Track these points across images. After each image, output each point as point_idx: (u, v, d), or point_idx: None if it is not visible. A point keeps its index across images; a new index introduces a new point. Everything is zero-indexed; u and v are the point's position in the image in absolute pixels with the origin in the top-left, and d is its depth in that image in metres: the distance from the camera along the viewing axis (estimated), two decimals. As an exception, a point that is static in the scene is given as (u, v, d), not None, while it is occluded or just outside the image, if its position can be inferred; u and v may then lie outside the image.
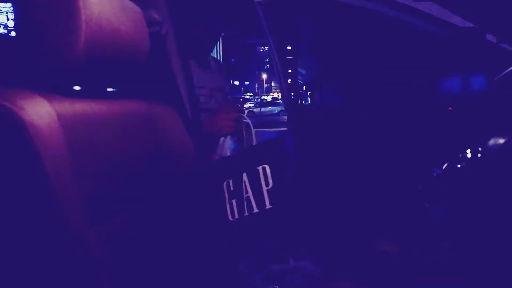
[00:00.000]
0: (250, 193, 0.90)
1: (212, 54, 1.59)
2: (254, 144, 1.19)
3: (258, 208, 0.89)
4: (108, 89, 0.79)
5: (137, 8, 0.77)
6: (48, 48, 0.57)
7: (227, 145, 1.21)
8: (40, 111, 0.49)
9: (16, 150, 0.45)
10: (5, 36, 0.73)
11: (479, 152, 0.81)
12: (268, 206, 0.89)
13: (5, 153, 0.45)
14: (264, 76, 54.18)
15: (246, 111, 1.32)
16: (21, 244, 0.46)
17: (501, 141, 0.77)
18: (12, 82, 0.55)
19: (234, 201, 0.92)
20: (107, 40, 0.63)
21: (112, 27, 0.64)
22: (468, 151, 0.87)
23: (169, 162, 0.81)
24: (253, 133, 1.21)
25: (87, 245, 0.49)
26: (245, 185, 0.91)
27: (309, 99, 20.49)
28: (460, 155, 0.88)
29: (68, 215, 0.47)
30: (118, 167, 0.65)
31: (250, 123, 1.25)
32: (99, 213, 0.55)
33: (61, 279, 0.47)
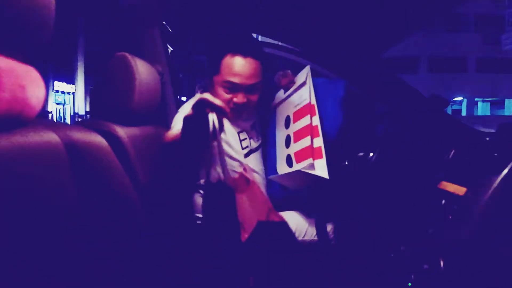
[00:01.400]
0: None
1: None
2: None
3: None
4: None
5: (153, 69, 1.24)
6: (117, 99, 1.04)
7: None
8: (122, 133, 0.95)
9: (118, 152, 0.88)
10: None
11: (370, 156, 1.28)
12: None
13: (113, 153, 0.89)
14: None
15: None
16: (106, 202, 0.87)
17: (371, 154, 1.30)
18: (100, 117, 1.01)
19: None
20: (145, 93, 1.10)
21: (147, 84, 1.11)
22: (361, 153, 1.33)
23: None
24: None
25: (137, 206, 0.90)
26: None
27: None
28: (359, 155, 1.36)
29: (133, 187, 0.90)
30: (151, 162, 1.10)
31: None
32: (141, 192, 1.01)
33: (125, 222, 0.81)
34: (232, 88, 1.20)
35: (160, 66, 1.41)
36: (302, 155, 1.21)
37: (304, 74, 1.27)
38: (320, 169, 1.13)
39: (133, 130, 1.04)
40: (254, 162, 1.35)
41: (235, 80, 1.19)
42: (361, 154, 1.41)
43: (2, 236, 0.47)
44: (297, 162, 1.24)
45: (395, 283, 1.03)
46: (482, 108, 24.09)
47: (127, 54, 1.06)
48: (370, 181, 1.27)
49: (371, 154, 1.37)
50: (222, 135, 1.25)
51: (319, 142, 1.15)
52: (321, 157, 1.13)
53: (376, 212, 1.32)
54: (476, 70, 21.66)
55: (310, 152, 1.16)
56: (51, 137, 0.59)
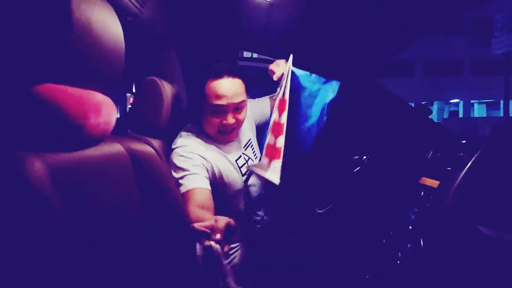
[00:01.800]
0: None
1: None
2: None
3: None
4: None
5: (174, 89, 1.44)
6: (147, 116, 1.24)
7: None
8: (156, 144, 1.15)
9: (152, 161, 1.08)
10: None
11: (364, 158, 1.49)
12: None
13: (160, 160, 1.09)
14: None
15: None
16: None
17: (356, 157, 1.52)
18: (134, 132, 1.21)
19: None
20: (170, 111, 1.30)
21: (172, 104, 1.32)
22: (356, 157, 1.57)
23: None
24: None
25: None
26: None
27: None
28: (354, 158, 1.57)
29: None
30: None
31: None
32: None
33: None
34: (220, 111, 1.24)
35: (178, 85, 1.62)
36: (266, 150, 1.22)
37: (287, 65, 1.27)
38: (273, 172, 1.10)
39: (160, 142, 1.25)
40: (254, 182, 1.38)
41: (222, 102, 1.23)
42: (356, 157, 1.62)
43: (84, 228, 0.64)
44: (265, 155, 1.23)
45: (386, 261, 1.20)
46: (479, 110, 24.36)
47: (156, 79, 1.27)
48: (365, 180, 1.48)
49: (365, 157, 1.58)
50: (224, 176, 1.28)
51: (281, 141, 1.11)
52: (279, 158, 1.11)
53: (371, 207, 1.53)
54: (472, 72, 21.93)
55: (269, 150, 1.15)
56: (119, 148, 0.80)
